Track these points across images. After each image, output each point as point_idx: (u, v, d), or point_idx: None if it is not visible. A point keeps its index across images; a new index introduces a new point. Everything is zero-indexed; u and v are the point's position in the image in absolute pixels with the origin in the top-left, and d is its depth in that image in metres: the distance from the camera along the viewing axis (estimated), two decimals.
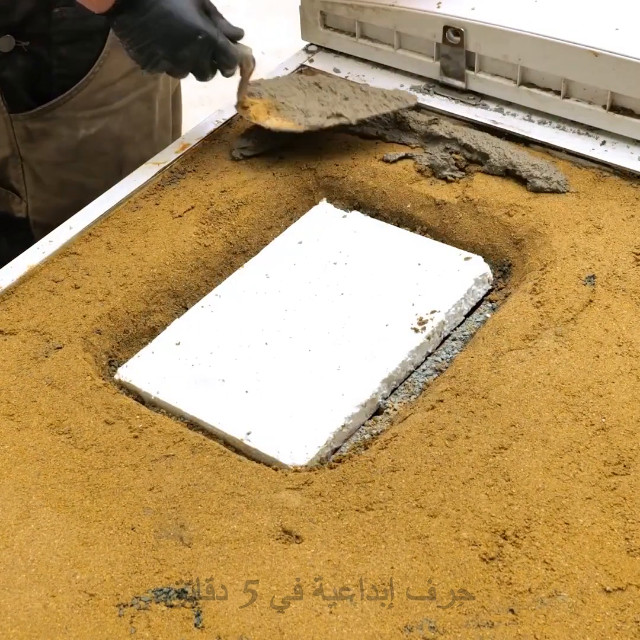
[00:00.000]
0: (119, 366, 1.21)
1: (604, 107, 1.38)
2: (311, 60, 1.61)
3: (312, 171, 1.42)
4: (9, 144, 1.47)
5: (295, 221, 1.38)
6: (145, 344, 1.24)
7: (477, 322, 1.24)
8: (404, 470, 1.03)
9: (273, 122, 1.41)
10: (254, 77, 1.44)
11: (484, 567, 0.94)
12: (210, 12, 1.34)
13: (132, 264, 1.29)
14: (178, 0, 1.27)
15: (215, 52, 1.33)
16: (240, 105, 1.44)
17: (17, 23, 1.41)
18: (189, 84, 1.77)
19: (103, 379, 1.18)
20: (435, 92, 1.51)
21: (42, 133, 1.46)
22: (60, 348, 1.19)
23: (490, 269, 1.29)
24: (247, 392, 1.15)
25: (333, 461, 1.07)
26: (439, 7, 1.46)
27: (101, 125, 1.52)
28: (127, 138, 1.56)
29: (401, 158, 1.42)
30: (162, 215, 1.36)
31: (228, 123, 1.50)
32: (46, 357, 1.18)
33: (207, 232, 1.34)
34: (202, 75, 1.36)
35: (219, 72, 1.37)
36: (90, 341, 1.21)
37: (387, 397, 1.16)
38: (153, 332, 1.26)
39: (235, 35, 1.37)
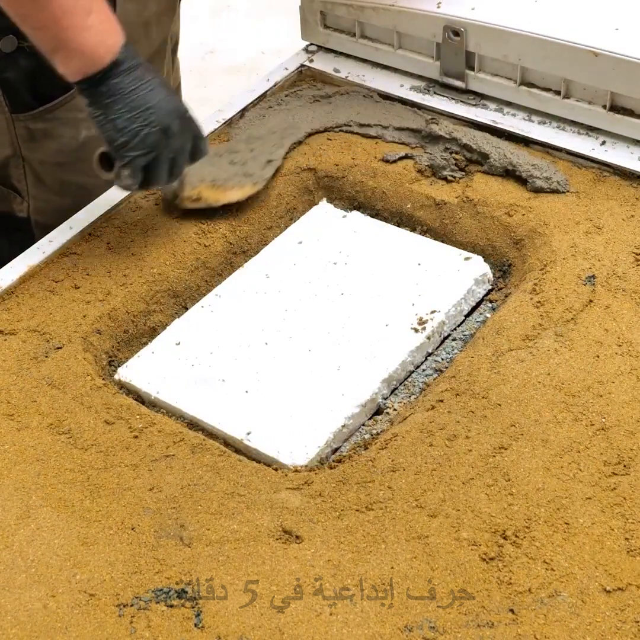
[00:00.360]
0: (119, 366, 1.21)
1: (604, 107, 1.38)
2: (311, 60, 1.61)
3: (312, 171, 1.42)
4: (11, 144, 1.47)
5: (295, 221, 1.38)
6: (145, 344, 1.24)
7: (477, 322, 1.24)
8: (404, 470, 1.03)
9: (235, 195, 1.36)
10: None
11: (484, 567, 0.94)
12: None
13: (132, 264, 1.29)
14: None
15: (196, 135, 1.27)
16: (189, 199, 1.35)
17: None
18: (189, 84, 1.78)
19: (103, 379, 1.18)
20: (435, 92, 1.51)
21: (43, 133, 1.46)
22: (60, 348, 1.19)
23: (490, 269, 1.29)
24: (247, 392, 1.15)
25: (333, 461, 1.07)
26: (439, 7, 1.46)
27: None
28: None
29: (401, 158, 1.42)
30: (162, 215, 1.36)
31: (228, 123, 1.50)
32: (46, 357, 1.18)
33: (207, 232, 1.34)
34: (177, 166, 1.26)
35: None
36: (90, 341, 1.21)
37: (387, 397, 1.16)
38: (153, 332, 1.26)
39: None
